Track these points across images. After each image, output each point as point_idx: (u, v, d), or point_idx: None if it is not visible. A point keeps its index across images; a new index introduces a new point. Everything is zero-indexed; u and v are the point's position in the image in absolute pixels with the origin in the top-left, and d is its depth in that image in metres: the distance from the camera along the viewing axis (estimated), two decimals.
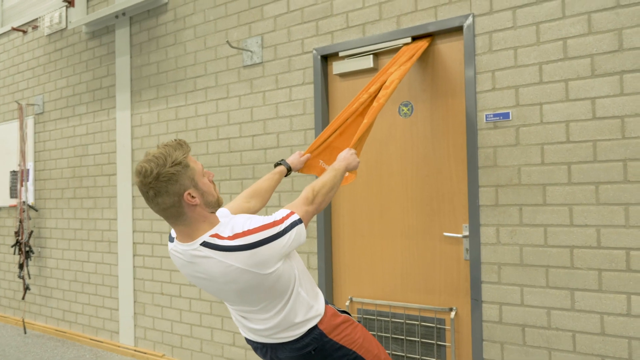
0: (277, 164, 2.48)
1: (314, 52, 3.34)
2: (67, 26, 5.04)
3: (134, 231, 4.45)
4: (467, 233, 2.83)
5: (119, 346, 4.52)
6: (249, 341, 2.01)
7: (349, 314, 2.07)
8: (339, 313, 2.00)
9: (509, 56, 2.65)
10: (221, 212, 1.95)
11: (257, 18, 3.64)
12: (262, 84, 3.61)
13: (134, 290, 4.45)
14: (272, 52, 3.56)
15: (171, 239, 1.86)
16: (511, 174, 2.64)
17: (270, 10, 3.57)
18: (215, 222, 1.76)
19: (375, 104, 2.59)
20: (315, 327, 1.88)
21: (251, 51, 3.63)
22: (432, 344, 2.95)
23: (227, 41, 3.54)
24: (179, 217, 1.69)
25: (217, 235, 1.70)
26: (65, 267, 5.06)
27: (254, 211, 2.17)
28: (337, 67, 3.24)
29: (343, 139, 2.68)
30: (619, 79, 2.37)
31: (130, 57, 4.49)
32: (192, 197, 1.66)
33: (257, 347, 1.99)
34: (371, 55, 3.11)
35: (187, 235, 1.73)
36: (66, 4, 4.92)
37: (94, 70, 4.82)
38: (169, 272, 4.19)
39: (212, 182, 1.78)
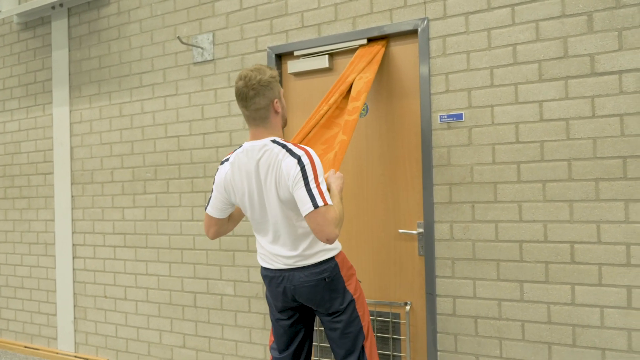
0: None
1: (268, 50, 3.34)
2: None
3: (73, 232, 4.26)
4: (421, 230, 2.93)
5: (57, 353, 4.32)
6: (266, 270, 2.25)
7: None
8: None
9: (462, 60, 2.76)
10: None
11: (208, 14, 3.58)
12: (213, 81, 3.56)
13: (74, 294, 4.26)
14: (224, 49, 3.52)
15: (223, 162, 2.26)
16: (464, 172, 2.76)
17: (222, 7, 3.53)
18: (283, 138, 2.16)
19: (349, 117, 2.61)
20: (332, 258, 2.18)
21: (202, 48, 3.58)
22: (388, 337, 3.04)
23: (178, 37, 3.46)
24: (265, 120, 2.12)
25: (285, 140, 2.14)
26: None
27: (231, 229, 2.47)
28: (292, 66, 3.26)
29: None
30: (564, 83, 2.53)
31: (69, 50, 4.29)
32: (278, 105, 2.13)
33: (274, 276, 2.22)
34: (326, 55, 3.15)
35: (260, 135, 2.14)
36: None
37: (27, 64, 4.56)
38: (112, 274, 4.05)
39: None
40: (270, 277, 2.24)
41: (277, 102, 2.12)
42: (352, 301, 2.21)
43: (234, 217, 2.43)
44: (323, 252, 2.16)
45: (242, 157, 2.15)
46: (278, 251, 2.18)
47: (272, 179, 2.07)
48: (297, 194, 1.99)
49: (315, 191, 1.97)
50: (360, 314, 2.23)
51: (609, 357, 2.46)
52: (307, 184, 1.97)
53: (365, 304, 2.30)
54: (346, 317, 2.19)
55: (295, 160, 2.00)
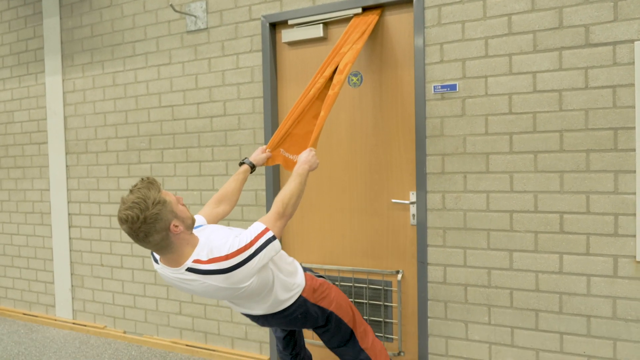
0: (240, 163, 2.58)
1: (262, 19, 3.30)
2: None
3: (69, 202, 4.28)
4: (414, 199, 2.96)
5: (55, 320, 4.39)
6: (242, 313, 2.30)
7: (324, 277, 2.37)
8: (316, 277, 2.29)
9: (457, 30, 2.75)
10: (197, 220, 2.20)
11: None
12: (207, 50, 3.54)
13: (71, 262, 4.31)
14: (218, 17, 3.48)
15: (156, 260, 2.07)
16: (457, 143, 2.78)
17: None
18: (195, 242, 1.97)
19: (330, 92, 2.61)
20: (299, 297, 2.20)
21: (195, 16, 3.54)
22: (380, 305, 3.10)
23: (171, 5, 3.42)
24: (168, 247, 1.90)
25: (198, 261, 1.91)
26: None
27: (224, 214, 2.42)
28: (286, 35, 3.23)
29: (302, 125, 2.70)
30: (559, 54, 2.53)
31: (60, 18, 4.23)
32: (176, 226, 1.86)
33: (251, 317, 2.29)
34: (321, 24, 3.13)
35: (173, 261, 1.95)
36: None
37: (18, 32, 4.51)
38: (108, 243, 4.09)
39: (184, 204, 1.97)
40: (249, 317, 2.31)
41: (174, 226, 1.86)
42: (331, 314, 2.29)
43: (228, 197, 2.45)
44: (288, 298, 2.18)
45: (167, 276, 2.02)
46: (242, 310, 2.25)
47: (212, 296, 2.04)
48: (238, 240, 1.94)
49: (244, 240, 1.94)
50: (343, 316, 2.32)
51: (594, 324, 2.52)
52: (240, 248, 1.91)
53: (343, 301, 2.36)
54: (331, 326, 2.32)
55: (225, 273, 1.90)
